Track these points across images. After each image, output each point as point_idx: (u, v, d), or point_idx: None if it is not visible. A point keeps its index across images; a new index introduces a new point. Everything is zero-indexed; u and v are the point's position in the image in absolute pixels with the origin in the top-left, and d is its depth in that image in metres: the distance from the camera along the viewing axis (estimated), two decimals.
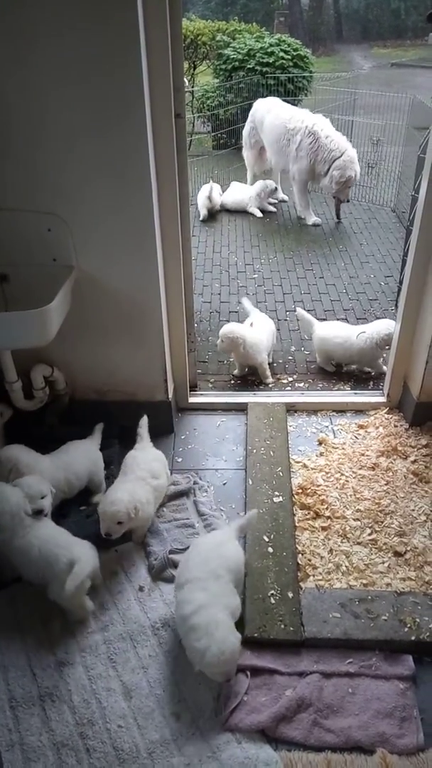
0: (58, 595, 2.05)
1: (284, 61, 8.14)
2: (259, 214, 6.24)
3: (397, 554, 2.35)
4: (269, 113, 6.23)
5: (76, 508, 2.54)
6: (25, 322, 2.20)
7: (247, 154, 6.82)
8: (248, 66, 8.15)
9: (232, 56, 8.32)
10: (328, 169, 5.72)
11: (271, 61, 8.12)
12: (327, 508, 2.54)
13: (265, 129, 6.29)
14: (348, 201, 5.93)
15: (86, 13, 2.05)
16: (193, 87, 8.58)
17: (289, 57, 8.19)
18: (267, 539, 2.38)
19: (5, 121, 2.24)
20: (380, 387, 3.29)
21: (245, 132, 6.72)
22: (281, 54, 8.15)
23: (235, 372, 3.53)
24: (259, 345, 3.39)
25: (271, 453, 2.81)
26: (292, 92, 7.92)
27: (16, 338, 2.27)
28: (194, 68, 9.09)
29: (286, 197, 6.66)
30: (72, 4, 2.04)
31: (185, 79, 2.39)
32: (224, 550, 2.11)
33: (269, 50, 8.20)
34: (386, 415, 3.08)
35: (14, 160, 2.32)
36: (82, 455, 2.56)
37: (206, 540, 2.19)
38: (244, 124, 6.96)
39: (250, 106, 7.93)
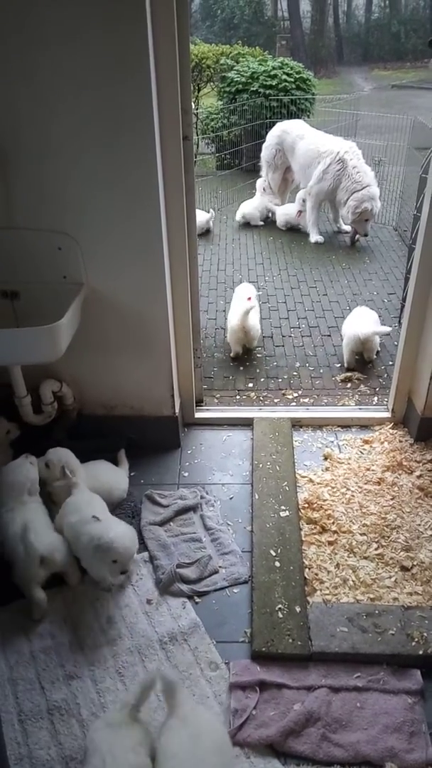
0: (17, 577, 2.19)
1: (287, 84, 8.30)
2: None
3: (404, 569, 2.36)
4: (302, 139, 6.29)
5: None
6: (36, 338, 2.24)
7: (273, 176, 6.75)
8: (252, 88, 8.31)
9: (235, 79, 8.48)
10: (347, 199, 5.80)
11: (274, 84, 8.27)
12: (333, 523, 2.55)
13: (297, 153, 6.33)
14: (366, 235, 5.95)
15: (96, 34, 2.11)
16: (197, 109, 8.75)
17: (292, 80, 8.35)
18: (274, 553, 2.39)
19: (17, 144, 2.30)
20: (384, 402, 3.31)
21: (268, 155, 6.69)
22: (284, 77, 8.31)
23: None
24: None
25: (277, 468, 2.83)
26: (295, 114, 8.06)
27: (27, 354, 2.32)
28: (198, 91, 9.27)
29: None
30: (82, 28, 2.11)
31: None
32: (212, 746, 1.62)
33: (272, 73, 8.36)
34: (391, 431, 3.10)
35: (26, 181, 2.38)
36: (112, 475, 2.67)
37: (177, 737, 1.62)
38: (248, 145, 7.07)
39: (253, 127, 8.11)
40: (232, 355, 3.95)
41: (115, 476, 2.68)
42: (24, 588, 2.19)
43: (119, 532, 2.18)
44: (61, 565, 2.24)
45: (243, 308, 3.84)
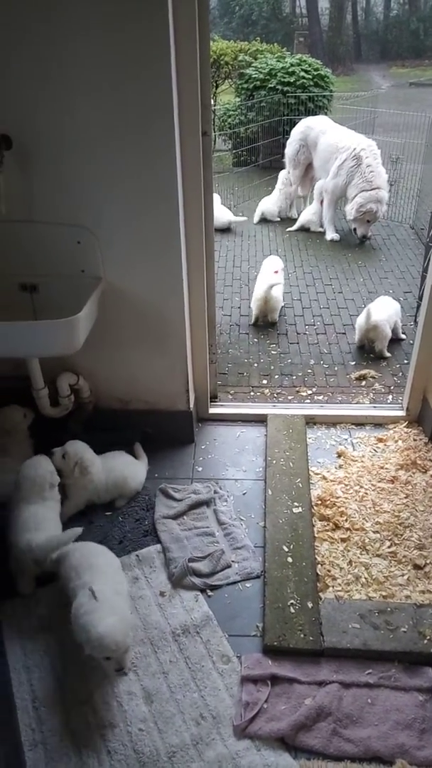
0: (12, 565, 2.24)
1: (305, 81, 8.27)
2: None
3: (417, 567, 2.35)
4: (324, 134, 6.28)
5: (101, 513, 2.60)
6: (54, 331, 2.27)
7: (294, 173, 6.74)
8: (269, 85, 8.29)
9: (253, 76, 8.46)
10: (355, 196, 5.76)
11: (292, 81, 8.25)
12: (346, 520, 2.55)
13: (319, 148, 6.32)
14: (366, 238, 5.88)
15: (118, 30, 2.12)
16: (214, 106, 8.75)
17: (310, 77, 8.31)
18: (286, 549, 2.40)
19: (37, 139, 2.32)
20: (399, 401, 3.30)
21: (292, 151, 6.70)
22: (302, 74, 8.28)
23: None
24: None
25: (291, 464, 2.83)
26: (312, 111, 8.03)
27: (45, 346, 2.34)
28: (216, 87, 9.27)
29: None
30: (103, 22, 2.12)
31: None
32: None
33: (290, 70, 8.33)
34: (405, 429, 3.09)
35: (47, 175, 2.40)
36: (130, 466, 2.71)
37: None
38: (265, 142, 7.02)
39: (270, 124, 8.09)
40: (252, 322, 4.42)
41: (134, 468, 2.72)
42: (16, 577, 2.25)
43: (109, 625, 1.83)
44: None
45: (268, 282, 4.29)
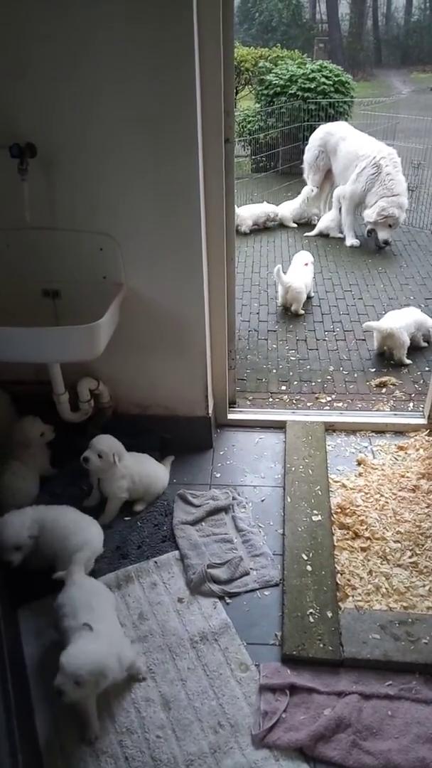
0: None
1: (326, 87, 8.26)
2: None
3: None
4: (344, 141, 6.27)
5: (120, 517, 2.61)
6: (76, 336, 2.28)
7: (313, 178, 6.75)
8: (290, 91, 8.30)
9: (274, 82, 8.48)
10: (376, 201, 5.74)
11: (312, 87, 8.24)
12: (366, 529, 2.53)
13: (339, 155, 6.32)
14: (386, 244, 5.83)
15: (141, 35, 2.13)
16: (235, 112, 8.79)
17: (331, 82, 8.31)
18: (306, 557, 2.38)
19: (60, 146, 2.35)
20: (420, 408, 3.27)
21: (311, 157, 6.71)
22: (323, 80, 8.27)
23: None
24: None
25: (310, 471, 2.81)
26: (333, 117, 8.01)
27: (67, 352, 2.36)
28: (236, 93, 9.31)
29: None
30: (127, 28, 2.13)
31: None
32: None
33: (311, 76, 8.33)
34: (427, 437, 3.06)
35: (69, 183, 2.42)
36: (157, 468, 2.75)
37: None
38: (285, 147, 7.01)
39: (290, 130, 8.10)
40: (279, 305, 4.76)
41: (159, 471, 2.75)
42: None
43: (87, 650, 1.79)
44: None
45: (296, 274, 4.66)
